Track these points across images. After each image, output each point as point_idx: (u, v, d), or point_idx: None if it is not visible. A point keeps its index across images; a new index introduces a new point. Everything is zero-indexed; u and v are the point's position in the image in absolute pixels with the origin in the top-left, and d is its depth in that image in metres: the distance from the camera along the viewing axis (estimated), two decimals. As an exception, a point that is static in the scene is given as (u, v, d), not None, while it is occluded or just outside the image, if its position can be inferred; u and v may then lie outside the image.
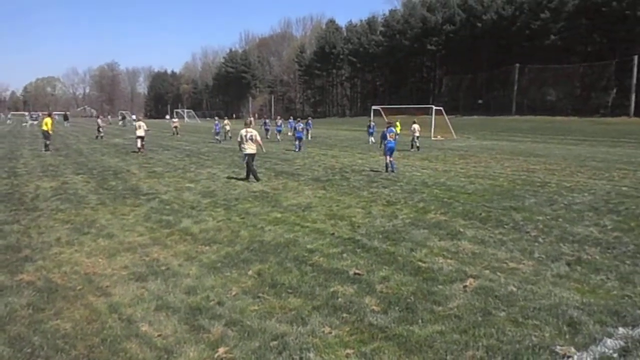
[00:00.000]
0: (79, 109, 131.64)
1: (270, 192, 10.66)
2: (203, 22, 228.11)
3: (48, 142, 21.47)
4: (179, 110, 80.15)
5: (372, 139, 27.50)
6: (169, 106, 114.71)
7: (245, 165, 12.60)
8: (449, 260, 5.68)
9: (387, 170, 14.03)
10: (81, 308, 4.38)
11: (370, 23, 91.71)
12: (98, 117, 41.53)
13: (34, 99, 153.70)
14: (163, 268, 5.46)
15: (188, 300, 4.53)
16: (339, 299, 4.55)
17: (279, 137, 30.83)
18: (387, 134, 14.24)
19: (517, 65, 59.46)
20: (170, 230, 7.19)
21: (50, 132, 21.62)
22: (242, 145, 12.45)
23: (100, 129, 31.32)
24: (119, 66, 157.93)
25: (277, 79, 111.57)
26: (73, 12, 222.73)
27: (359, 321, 4.08)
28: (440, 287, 4.84)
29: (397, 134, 15.30)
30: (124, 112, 76.62)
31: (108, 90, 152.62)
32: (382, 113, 38.62)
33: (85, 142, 28.59)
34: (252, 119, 15.63)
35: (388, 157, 14.13)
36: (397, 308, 4.33)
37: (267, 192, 10.56)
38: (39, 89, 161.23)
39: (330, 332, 3.89)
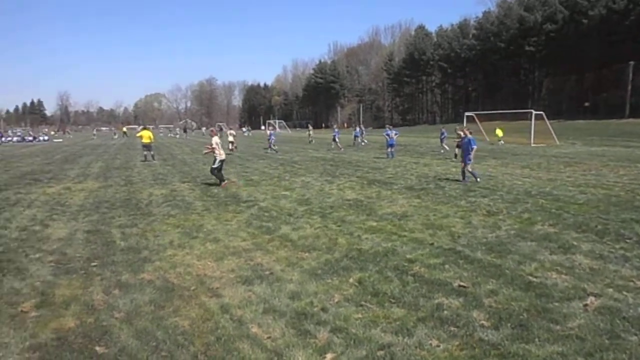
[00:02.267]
0: (180, 122, 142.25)
1: (364, 200, 10.66)
2: (293, 36, 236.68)
3: (152, 153, 23.34)
4: (271, 121, 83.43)
5: (445, 146, 26.67)
6: (261, 117, 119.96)
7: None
8: (563, 276, 5.25)
9: (463, 179, 13.43)
10: (196, 307, 4.68)
11: (462, 27, 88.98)
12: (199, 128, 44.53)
13: (143, 114, 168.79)
14: (267, 273, 5.67)
15: (293, 305, 4.65)
16: (445, 312, 4.39)
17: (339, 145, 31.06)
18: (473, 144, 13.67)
19: (632, 63, 53.96)
20: (271, 237, 7.45)
21: (151, 143, 23.42)
22: (218, 152, 13.61)
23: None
24: (216, 81, 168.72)
25: (365, 88, 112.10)
26: (171, 32, 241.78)
27: (469, 336, 3.91)
28: (556, 304, 4.48)
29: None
30: (220, 123, 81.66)
31: (207, 104, 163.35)
32: (476, 119, 37.05)
33: (188, 152, 30.74)
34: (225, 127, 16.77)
35: (467, 165, 13.51)
36: (509, 324, 4.08)
37: (361, 201, 10.58)
38: (147, 105, 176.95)
39: (439, 346, 3.76)
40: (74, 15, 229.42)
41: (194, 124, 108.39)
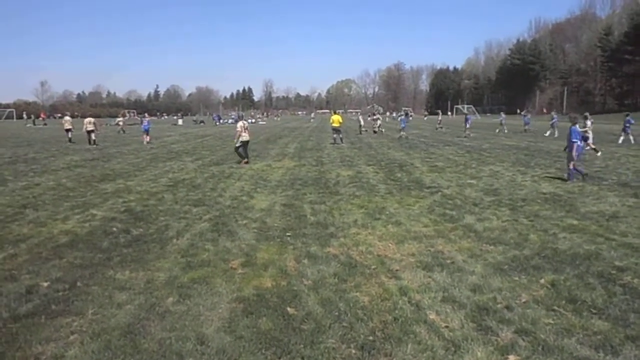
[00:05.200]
0: (368, 107, 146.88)
1: (564, 195, 9.50)
2: (487, 15, 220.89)
3: (340, 136, 24.67)
4: (459, 106, 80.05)
5: (630, 137, 21.90)
6: (449, 102, 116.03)
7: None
8: None
9: (569, 179, 11.09)
10: (375, 286, 4.84)
11: None
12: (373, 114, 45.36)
13: (334, 99, 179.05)
14: (448, 261, 5.53)
15: (474, 298, 4.45)
16: (665, 334, 3.67)
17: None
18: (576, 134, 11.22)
19: None
20: (454, 225, 7.22)
21: (340, 127, 24.65)
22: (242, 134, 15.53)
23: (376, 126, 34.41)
24: (404, 66, 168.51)
25: (571, 69, 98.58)
26: (360, 18, 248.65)
27: (698, 368, 3.20)
28: None
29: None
30: (406, 108, 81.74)
31: (394, 88, 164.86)
32: None
33: (374, 136, 31.62)
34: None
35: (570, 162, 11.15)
36: None
37: (559, 195, 9.46)
38: (338, 90, 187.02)
39: (653, 372, 3.18)
40: (280, 10, 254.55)
41: (380, 108, 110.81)
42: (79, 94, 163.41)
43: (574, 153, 11.20)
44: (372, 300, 4.48)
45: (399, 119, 36.16)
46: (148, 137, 26.20)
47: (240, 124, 15.88)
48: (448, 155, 18.13)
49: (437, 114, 31.66)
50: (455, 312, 4.18)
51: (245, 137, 15.69)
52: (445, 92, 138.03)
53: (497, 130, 35.00)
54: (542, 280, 4.86)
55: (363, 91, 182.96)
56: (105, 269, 5.36)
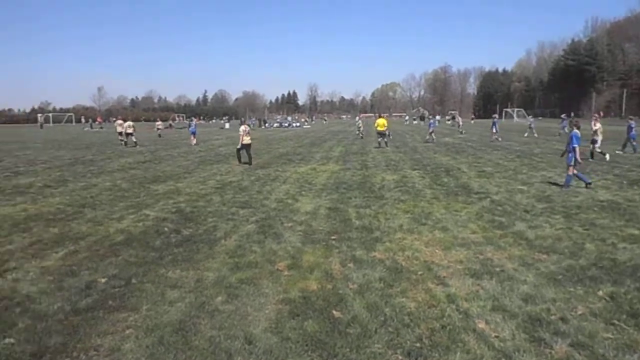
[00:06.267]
0: (413, 110, 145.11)
1: (623, 203, 9.02)
2: (540, 15, 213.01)
3: (385, 140, 24.51)
4: (509, 110, 77.54)
5: None
6: (497, 105, 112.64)
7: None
8: None
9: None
10: (422, 292, 4.77)
11: None
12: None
13: (379, 102, 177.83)
14: (497, 269, 5.37)
15: (526, 308, 4.30)
16: None
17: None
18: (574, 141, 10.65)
19: None
20: (503, 232, 7.01)
21: (385, 130, 24.47)
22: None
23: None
24: (451, 68, 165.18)
25: (632, 70, 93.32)
26: (406, 23, 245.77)
27: None
28: None
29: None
30: (453, 112, 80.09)
31: (440, 92, 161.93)
32: None
33: (419, 140, 31.19)
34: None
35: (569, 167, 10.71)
36: None
37: (618, 203, 8.99)
38: (382, 94, 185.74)
39: None
40: (326, 16, 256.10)
41: (426, 112, 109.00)
42: (132, 99, 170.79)
43: (573, 158, 10.78)
44: (418, 306, 4.41)
45: (429, 122, 35.83)
46: (195, 140, 28.09)
47: (242, 128, 17.05)
48: (497, 160, 17.60)
49: (493, 118, 30.53)
50: (506, 321, 4.05)
51: (247, 140, 16.88)
52: (493, 95, 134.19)
53: (526, 134, 33.92)
54: (600, 292, 4.63)
55: (408, 94, 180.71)
56: (158, 267, 5.57)
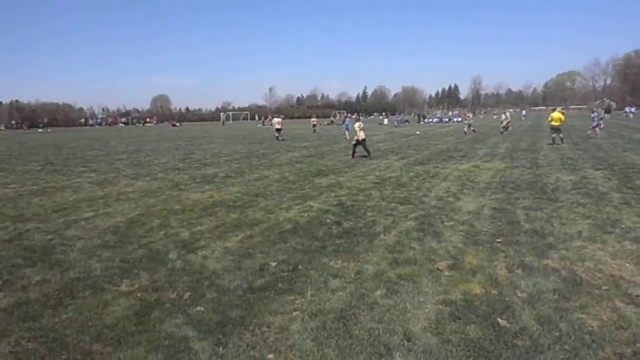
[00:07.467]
0: (596, 102, 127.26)
1: None
2: None
3: (560, 136, 21.94)
4: None
5: None
6: None
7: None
8: None
9: None
10: (608, 310, 4.17)
11: None
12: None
13: (552, 94, 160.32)
14: None
15: None
16: None
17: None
18: None
19: None
20: None
21: (559, 125, 21.88)
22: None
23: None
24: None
25: None
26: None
27: None
28: None
29: None
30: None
31: (632, 79, 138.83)
32: None
33: (604, 136, 27.27)
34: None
35: None
36: None
37: None
38: (558, 84, 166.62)
39: None
40: (490, 5, 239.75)
41: (613, 104, 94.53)
42: (297, 97, 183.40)
43: None
44: (602, 325, 3.87)
45: (591, 115, 30.23)
46: (349, 135, 30.57)
47: (357, 124, 18.32)
48: None
49: None
50: None
51: (362, 135, 18.01)
52: None
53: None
54: None
55: (591, 84, 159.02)
56: (321, 256, 5.88)
